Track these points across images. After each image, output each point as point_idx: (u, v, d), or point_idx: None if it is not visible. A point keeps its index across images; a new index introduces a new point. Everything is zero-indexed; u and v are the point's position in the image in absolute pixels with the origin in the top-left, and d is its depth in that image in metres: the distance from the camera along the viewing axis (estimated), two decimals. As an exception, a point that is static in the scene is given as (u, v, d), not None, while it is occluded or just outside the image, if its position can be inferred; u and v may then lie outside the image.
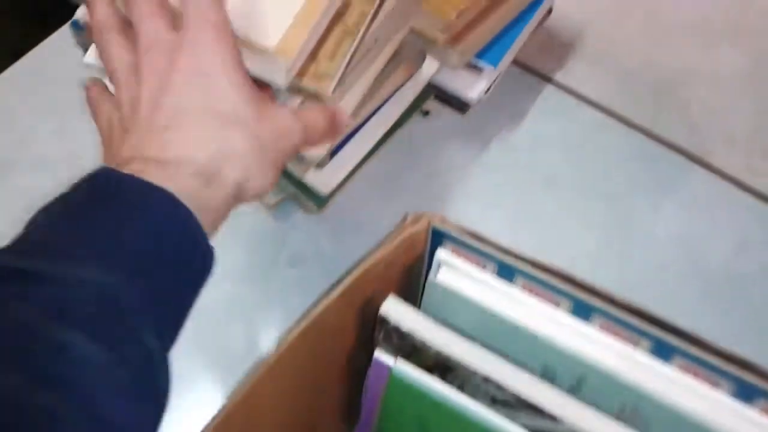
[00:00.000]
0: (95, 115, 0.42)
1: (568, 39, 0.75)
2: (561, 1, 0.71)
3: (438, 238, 0.44)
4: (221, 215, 0.36)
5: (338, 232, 0.64)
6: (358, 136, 0.59)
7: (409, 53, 0.60)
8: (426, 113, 0.69)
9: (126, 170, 0.33)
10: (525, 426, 0.40)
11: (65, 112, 0.69)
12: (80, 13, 0.57)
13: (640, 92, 0.72)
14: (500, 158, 0.68)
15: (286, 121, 0.39)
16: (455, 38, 0.61)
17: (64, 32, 0.72)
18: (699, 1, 0.78)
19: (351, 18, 0.44)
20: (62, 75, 0.71)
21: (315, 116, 0.41)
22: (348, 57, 0.43)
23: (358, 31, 0.44)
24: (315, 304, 0.42)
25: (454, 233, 0.42)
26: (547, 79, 0.73)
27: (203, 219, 0.33)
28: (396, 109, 0.61)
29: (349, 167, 0.58)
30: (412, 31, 0.59)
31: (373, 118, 0.59)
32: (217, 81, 0.37)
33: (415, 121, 0.68)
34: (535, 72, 0.73)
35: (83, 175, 0.33)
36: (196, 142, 0.35)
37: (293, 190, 0.61)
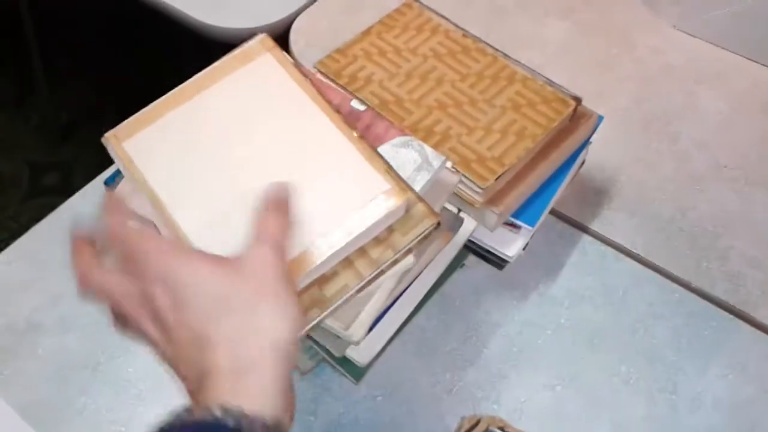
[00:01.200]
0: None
1: (602, 187, 0.74)
2: (592, 151, 0.71)
3: (495, 441, 0.41)
4: None
5: (373, 397, 0.61)
6: (396, 304, 0.57)
7: (447, 220, 0.59)
8: (462, 265, 0.68)
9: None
10: None
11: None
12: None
13: (676, 242, 0.70)
14: (540, 312, 0.66)
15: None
16: (493, 200, 0.60)
17: (96, 182, 0.72)
18: (728, 144, 0.78)
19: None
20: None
21: None
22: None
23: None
24: None
25: (513, 440, 0.40)
26: (583, 228, 0.71)
27: None
28: (434, 274, 0.60)
29: (387, 337, 0.57)
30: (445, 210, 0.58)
31: (411, 286, 0.58)
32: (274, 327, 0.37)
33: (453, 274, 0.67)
34: (571, 221, 0.72)
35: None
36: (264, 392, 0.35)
37: (328, 357, 0.59)
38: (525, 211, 0.63)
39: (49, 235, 0.70)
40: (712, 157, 0.77)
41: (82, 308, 0.63)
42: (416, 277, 0.58)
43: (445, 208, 0.59)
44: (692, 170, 0.76)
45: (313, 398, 0.61)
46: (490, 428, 0.40)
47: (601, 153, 0.74)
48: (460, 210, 0.61)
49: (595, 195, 0.74)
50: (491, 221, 0.61)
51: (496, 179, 0.58)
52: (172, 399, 0.35)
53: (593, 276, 0.69)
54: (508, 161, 0.59)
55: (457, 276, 0.67)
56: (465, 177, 0.58)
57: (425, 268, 0.58)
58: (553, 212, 0.71)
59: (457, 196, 0.60)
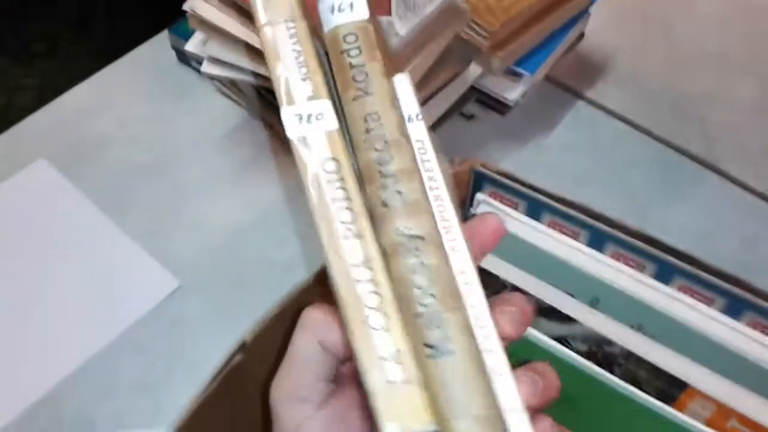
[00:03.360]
0: None
1: (599, 62, 0.84)
2: (592, 29, 0.81)
3: (479, 181, 0.52)
4: None
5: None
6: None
7: (457, 56, 0.69)
8: (471, 117, 0.78)
9: None
10: (546, 333, 0.48)
11: (159, 99, 0.80)
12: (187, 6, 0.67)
13: (662, 109, 0.80)
14: (535, 158, 0.76)
15: None
16: (497, 46, 0.70)
17: (163, 35, 0.83)
18: (717, 35, 0.87)
19: None
20: (159, 70, 0.82)
21: None
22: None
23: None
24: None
25: (492, 174, 0.51)
26: (579, 95, 0.82)
27: None
28: (443, 105, 0.70)
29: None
30: (460, 39, 0.69)
31: (423, 109, 0.69)
32: None
33: (461, 124, 0.77)
34: (569, 89, 0.82)
35: None
36: None
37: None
38: (526, 60, 0.73)
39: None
40: (702, 47, 0.87)
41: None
42: (429, 99, 0.68)
43: (456, 48, 0.69)
44: (682, 56, 0.86)
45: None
46: (474, 166, 0.51)
47: (601, 34, 0.84)
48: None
49: (592, 69, 0.84)
50: (495, 65, 0.71)
51: (501, 25, 0.69)
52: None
53: (584, 132, 0.79)
54: (514, 11, 0.69)
55: (465, 127, 0.78)
56: (473, 22, 0.69)
57: (436, 94, 0.69)
58: (552, 81, 0.81)
59: (465, 42, 0.70)
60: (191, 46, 0.69)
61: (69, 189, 0.72)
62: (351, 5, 0.26)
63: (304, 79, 0.26)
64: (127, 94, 0.81)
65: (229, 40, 0.63)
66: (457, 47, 0.69)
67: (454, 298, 0.24)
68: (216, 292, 0.66)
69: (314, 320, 0.30)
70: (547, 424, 0.30)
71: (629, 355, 0.46)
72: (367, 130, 0.26)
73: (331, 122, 0.26)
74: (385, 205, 0.25)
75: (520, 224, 0.51)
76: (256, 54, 0.62)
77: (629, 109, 0.80)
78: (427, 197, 0.26)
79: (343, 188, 0.26)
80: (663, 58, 0.86)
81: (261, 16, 0.27)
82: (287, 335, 0.35)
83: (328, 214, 0.25)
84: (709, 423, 0.45)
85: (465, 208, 0.53)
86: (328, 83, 0.27)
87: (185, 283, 0.66)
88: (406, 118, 0.27)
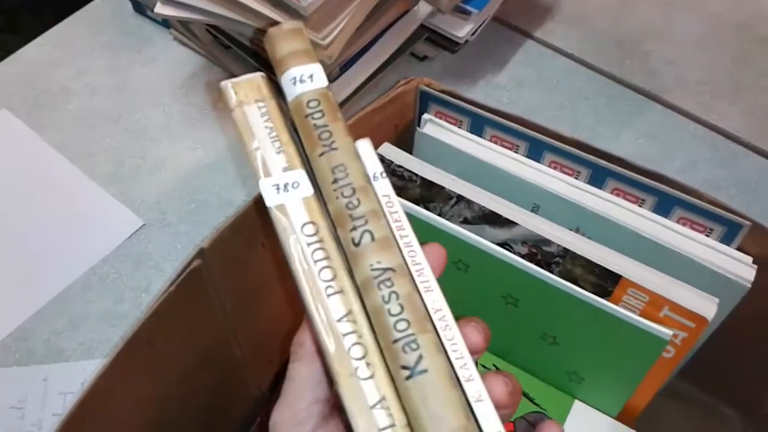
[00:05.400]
0: None
1: (547, 2, 0.87)
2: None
3: (425, 101, 0.55)
4: None
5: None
6: (361, 60, 0.70)
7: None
8: (423, 58, 0.81)
9: None
10: (490, 239, 0.51)
11: (117, 50, 0.81)
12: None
13: (607, 46, 0.83)
14: (486, 95, 0.79)
15: None
16: (446, -16, 0.73)
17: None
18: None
19: None
20: (116, 21, 0.84)
21: None
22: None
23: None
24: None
25: (437, 93, 0.53)
26: (528, 35, 0.84)
27: None
28: (394, 42, 0.73)
29: (350, 91, 0.70)
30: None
31: (375, 46, 0.71)
32: None
33: (414, 64, 0.80)
34: (518, 29, 0.85)
35: None
36: None
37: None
38: (473, -2, 0.76)
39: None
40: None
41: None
42: (379, 36, 0.71)
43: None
44: (626, -5, 0.89)
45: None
46: (420, 86, 0.53)
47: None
48: (418, -6, 0.74)
49: (540, 9, 0.86)
50: (444, 2, 0.74)
51: (448, -37, 0.71)
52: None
53: (532, 69, 0.82)
54: (458, -51, 0.72)
55: (418, 67, 0.80)
56: (421, -40, 0.71)
57: (386, 31, 0.71)
58: (502, 22, 0.84)
59: (415, -19, 0.73)
60: (146, -10, 0.70)
61: (32, 137, 0.73)
62: (311, 76, 0.28)
63: (278, 152, 0.29)
64: (85, 45, 0.82)
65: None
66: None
67: (425, 321, 0.27)
68: (178, 229, 0.68)
69: (306, 351, 0.32)
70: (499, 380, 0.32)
71: (566, 253, 0.49)
72: (335, 180, 0.28)
73: (307, 189, 0.29)
74: (356, 244, 0.27)
75: (464, 140, 0.53)
76: (209, -7, 0.63)
77: (576, 46, 0.83)
78: (393, 234, 0.28)
79: (323, 248, 0.28)
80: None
81: (233, 98, 0.29)
82: (241, 243, 0.37)
83: (310, 274, 0.28)
84: (642, 314, 0.49)
85: (412, 128, 0.56)
86: (298, 150, 0.30)
87: (149, 221, 0.69)
88: (371, 176, 0.30)
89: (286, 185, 0.29)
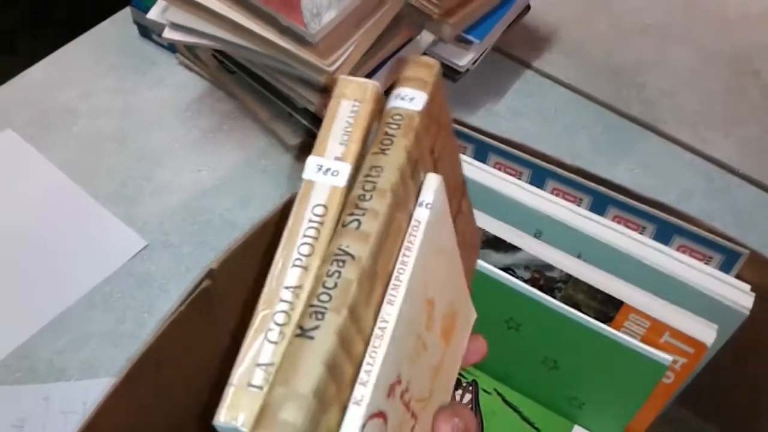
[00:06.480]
0: None
1: (545, 34, 0.89)
2: (538, 3, 0.85)
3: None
4: None
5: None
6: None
7: (409, 22, 0.73)
8: (423, 85, 0.82)
9: None
10: (494, 264, 0.51)
11: (123, 72, 0.82)
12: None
13: (604, 77, 0.85)
14: (485, 123, 0.80)
15: None
16: (448, 13, 0.74)
17: (125, 11, 0.86)
18: (655, 6, 0.92)
19: None
20: (122, 44, 0.85)
21: None
22: None
23: None
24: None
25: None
26: (527, 65, 0.86)
27: None
28: (398, 69, 0.74)
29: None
30: (411, 6, 0.73)
31: (380, 72, 0.72)
32: None
33: (414, 92, 0.81)
34: (518, 59, 0.86)
35: None
36: None
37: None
38: (475, 28, 0.77)
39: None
40: (640, 18, 0.92)
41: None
42: (382, 65, 0.72)
43: (407, 15, 0.73)
44: (623, 27, 0.91)
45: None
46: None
47: (547, 6, 0.88)
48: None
49: (539, 40, 0.88)
50: (446, 31, 0.75)
51: (450, -6, 0.73)
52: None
53: (531, 99, 0.83)
54: (462, -19, 0.73)
55: (419, 94, 0.82)
56: (425, -10, 0.72)
57: (389, 59, 0.73)
58: (502, 51, 0.85)
59: (416, 10, 0.74)
60: (153, 14, 0.71)
61: (37, 157, 0.74)
62: (412, 99, 0.31)
63: (341, 144, 0.31)
64: (90, 67, 0.83)
65: (189, 5, 0.65)
66: (408, 14, 0.73)
67: (344, 308, 0.27)
68: (181, 250, 0.69)
69: None
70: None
71: (568, 279, 0.50)
72: (367, 175, 0.29)
73: (341, 180, 0.30)
74: (343, 225, 0.28)
75: (468, 166, 0.54)
76: (216, 18, 0.65)
77: (573, 76, 0.85)
78: (380, 240, 0.29)
79: (317, 230, 0.29)
80: (605, 29, 0.90)
81: (338, 90, 0.32)
82: (250, 264, 0.38)
83: (292, 242, 0.29)
84: (643, 340, 0.49)
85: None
86: (361, 152, 0.31)
87: (152, 242, 0.69)
88: (420, 202, 0.31)
89: (327, 170, 0.30)
